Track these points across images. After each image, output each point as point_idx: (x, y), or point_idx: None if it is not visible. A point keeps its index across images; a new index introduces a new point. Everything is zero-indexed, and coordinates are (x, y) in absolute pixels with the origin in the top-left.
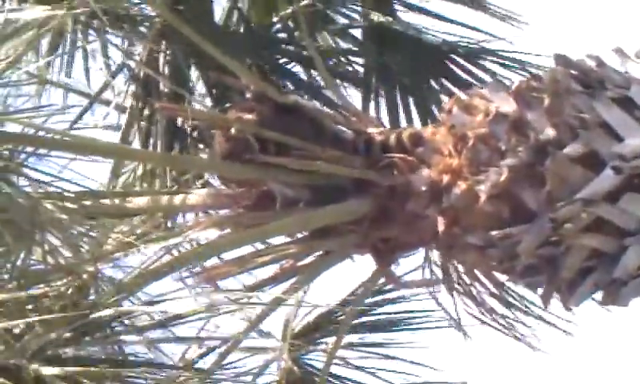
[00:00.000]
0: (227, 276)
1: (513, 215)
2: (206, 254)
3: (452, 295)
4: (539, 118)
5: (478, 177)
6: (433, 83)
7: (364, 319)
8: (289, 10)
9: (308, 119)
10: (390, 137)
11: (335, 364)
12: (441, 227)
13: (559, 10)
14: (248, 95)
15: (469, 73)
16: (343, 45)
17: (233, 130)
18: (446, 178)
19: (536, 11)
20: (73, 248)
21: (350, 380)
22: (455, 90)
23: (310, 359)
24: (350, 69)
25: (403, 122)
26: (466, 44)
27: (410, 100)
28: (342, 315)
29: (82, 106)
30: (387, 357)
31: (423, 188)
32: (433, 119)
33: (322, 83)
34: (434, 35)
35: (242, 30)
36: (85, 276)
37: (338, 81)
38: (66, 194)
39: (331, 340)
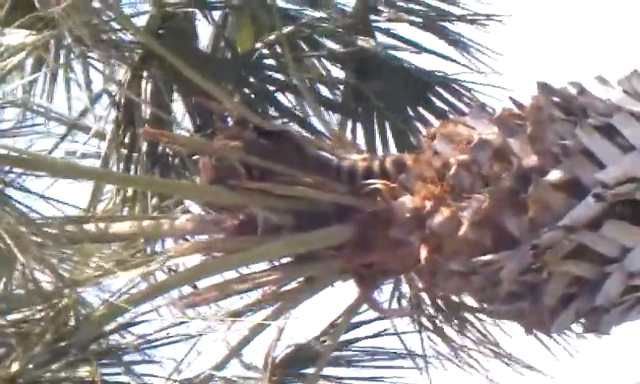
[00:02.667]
0: (209, 302)
1: (495, 242)
2: (187, 280)
3: (420, 331)
4: (522, 145)
5: (461, 203)
6: (410, 111)
7: (345, 352)
8: (272, 37)
9: (291, 145)
10: (374, 163)
11: None
12: (423, 254)
13: (539, 39)
14: (231, 121)
15: (446, 102)
16: (323, 72)
17: (217, 156)
18: (428, 205)
19: (515, 42)
20: (54, 273)
21: None
22: (432, 118)
23: None
24: (329, 95)
25: (380, 149)
26: (443, 74)
27: (387, 126)
28: (323, 344)
29: (61, 134)
30: None
31: (406, 214)
32: (409, 146)
33: (305, 110)
34: (412, 65)
35: (226, 57)
36: (65, 301)
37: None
38: (46, 219)
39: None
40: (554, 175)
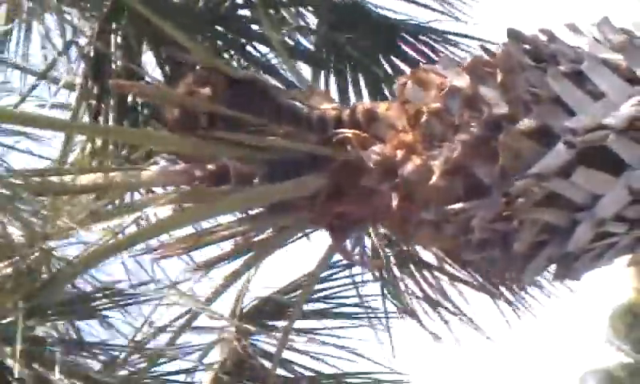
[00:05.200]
0: (180, 253)
1: (467, 190)
2: (158, 231)
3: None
4: (493, 93)
5: (432, 152)
6: (382, 60)
7: (316, 306)
8: None
9: (262, 95)
10: (344, 113)
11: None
12: (394, 202)
13: None
14: (200, 69)
15: (418, 51)
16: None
17: (186, 105)
18: (399, 154)
19: None
20: (24, 226)
21: (297, 364)
22: (405, 67)
23: (258, 340)
24: (302, 45)
25: (352, 99)
26: (416, 22)
27: (360, 77)
28: (293, 298)
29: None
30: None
31: (376, 163)
32: (382, 96)
33: (276, 60)
34: (383, 12)
35: (197, 7)
36: (37, 254)
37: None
38: (15, 171)
39: (282, 323)
40: (525, 123)
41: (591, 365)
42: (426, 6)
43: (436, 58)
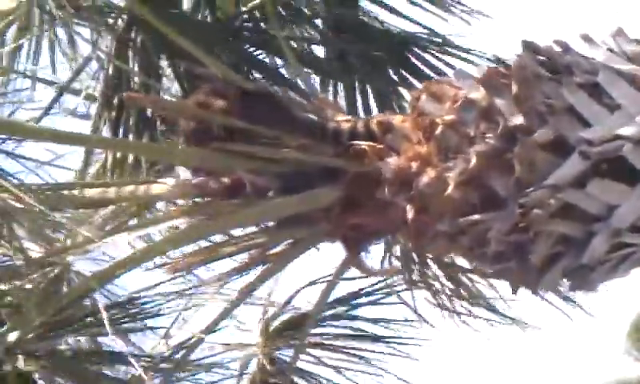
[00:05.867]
0: (198, 266)
1: (482, 202)
2: (175, 244)
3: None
4: (508, 104)
5: (447, 164)
6: (391, 73)
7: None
8: (256, 1)
9: (276, 107)
10: (359, 124)
11: (305, 360)
12: (410, 215)
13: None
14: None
15: (428, 65)
16: (306, 34)
17: (201, 119)
18: (414, 166)
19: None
20: (43, 240)
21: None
22: (414, 80)
23: (285, 355)
24: (312, 57)
25: (360, 110)
26: (426, 36)
27: (369, 89)
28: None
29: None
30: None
31: (392, 175)
32: (390, 108)
33: (289, 73)
34: (394, 27)
35: (210, 21)
36: (57, 269)
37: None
38: (34, 186)
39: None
40: (540, 134)
41: (609, 377)
42: (435, 14)
43: (446, 71)
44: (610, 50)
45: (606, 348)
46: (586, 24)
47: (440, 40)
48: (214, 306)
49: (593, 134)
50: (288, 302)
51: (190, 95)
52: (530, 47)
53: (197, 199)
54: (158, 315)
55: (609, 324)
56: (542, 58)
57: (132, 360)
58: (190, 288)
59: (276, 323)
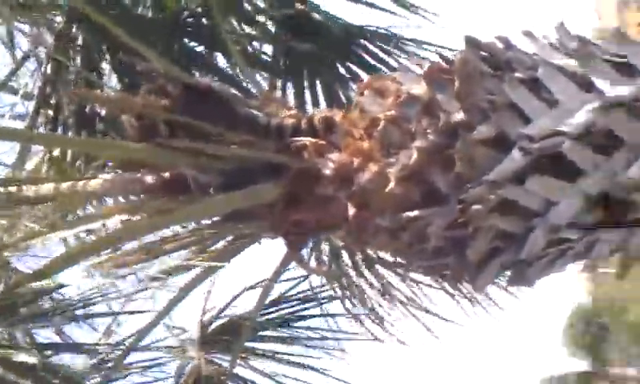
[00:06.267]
0: (137, 263)
1: (423, 198)
2: (114, 241)
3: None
4: (450, 100)
5: (389, 159)
6: (339, 66)
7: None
8: None
9: (220, 103)
10: (302, 120)
11: (240, 365)
12: (351, 210)
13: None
14: (158, 79)
15: (376, 57)
16: (252, 31)
17: (143, 114)
18: (356, 161)
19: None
20: None
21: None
22: (362, 73)
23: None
24: (259, 54)
25: (310, 107)
26: (374, 28)
27: (317, 83)
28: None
29: None
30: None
31: (333, 171)
32: (338, 101)
33: (233, 69)
34: (341, 20)
35: (155, 16)
36: None
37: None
38: None
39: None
40: (481, 130)
41: (548, 371)
42: (383, 10)
43: (395, 64)
44: (551, 46)
45: (544, 343)
46: (530, 20)
47: (386, 32)
48: (153, 305)
49: (533, 129)
50: (223, 309)
51: (132, 91)
52: (472, 43)
53: (138, 195)
54: (96, 316)
55: (546, 319)
56: (484, 53)
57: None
58: (131, 286)
59: (213, 326)
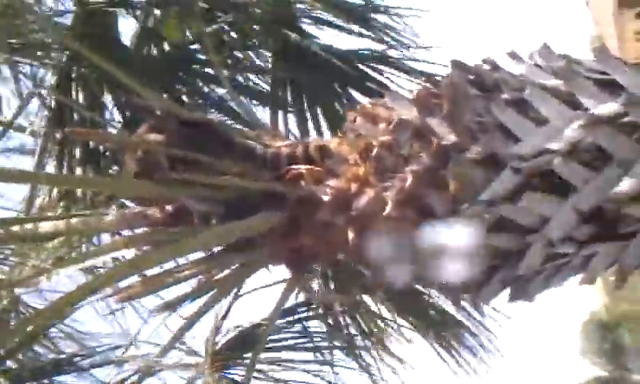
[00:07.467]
0: (144, 294)
1: (420, 220)
2: (122, 274)
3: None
4: (440, 123)
5: (385, 184)
6: (339, 92)
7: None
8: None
9: (216, 135)
10: (298, 149)
11: (255, 377)
12: (350, 235)
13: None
14: (155, 115)
15: (374, 81)
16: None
17: (140, 151)
18: (353, 187)
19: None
20: None
21: None
22: (362, 97)
23: (233, 373)
24: (259, 86)
25: (313, 134)
26: (369, 53)
27: (319, 111)
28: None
29: None
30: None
31: (331, 197)
32: (342, 129)
33: (239, 106)
34: (336, 48)
35: (155, 54)
36: (4, 302)
37: (247, 98)
38: None
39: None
40: (472, 151)
41: (566, 379)
42: (381, 41)
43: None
44: (537, 66)
45: (562, 351)
46: (515, 41)
47: (381, 55)
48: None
49: (523, 148)
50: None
51: (134, 125)
52: (459, 66)
53: (142, 228)
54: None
55: (565, 327)
56: (471, 76)
57: None
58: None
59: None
